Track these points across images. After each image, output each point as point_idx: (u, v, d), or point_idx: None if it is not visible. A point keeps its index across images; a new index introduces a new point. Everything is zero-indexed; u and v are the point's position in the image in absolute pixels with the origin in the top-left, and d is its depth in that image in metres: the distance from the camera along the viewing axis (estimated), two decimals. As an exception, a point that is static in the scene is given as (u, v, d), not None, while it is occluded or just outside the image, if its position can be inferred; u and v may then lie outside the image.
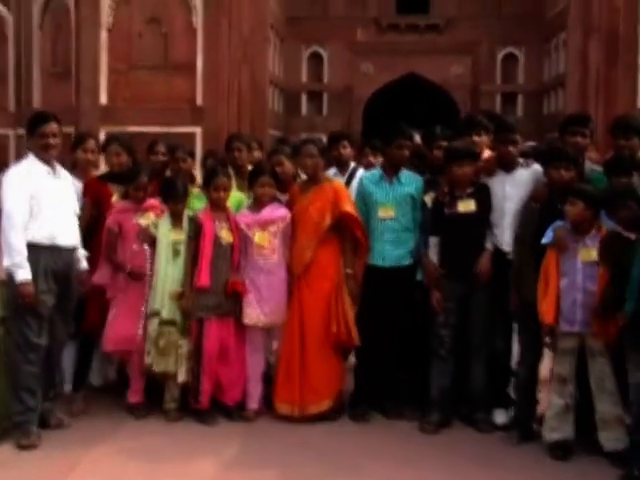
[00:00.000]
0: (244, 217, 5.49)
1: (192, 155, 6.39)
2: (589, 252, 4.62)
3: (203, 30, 15.25)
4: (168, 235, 5.40)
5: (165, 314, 5.32)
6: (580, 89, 16.62)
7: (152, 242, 5.44)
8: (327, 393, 5.41)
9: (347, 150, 6.28)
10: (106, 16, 15.36)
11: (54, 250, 5.00)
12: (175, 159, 6.06)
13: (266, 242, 5.39)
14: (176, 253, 5.38)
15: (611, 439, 4.59)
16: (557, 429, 4.76)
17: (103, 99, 15.44)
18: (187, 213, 5.51)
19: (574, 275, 4.65)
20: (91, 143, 6.03)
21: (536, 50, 19.44)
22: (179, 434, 5.26)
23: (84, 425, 5.36)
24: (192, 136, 14.27)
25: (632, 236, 4.41)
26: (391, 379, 5.57)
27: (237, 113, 16.28)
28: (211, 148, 7.72)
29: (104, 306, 5.53)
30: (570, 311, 4.66)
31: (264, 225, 5.42)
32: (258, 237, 5.40)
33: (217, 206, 5.47)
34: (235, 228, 5.44)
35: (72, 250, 5.17)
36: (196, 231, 5.37)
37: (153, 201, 5.61)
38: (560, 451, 4.73)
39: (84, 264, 5.29)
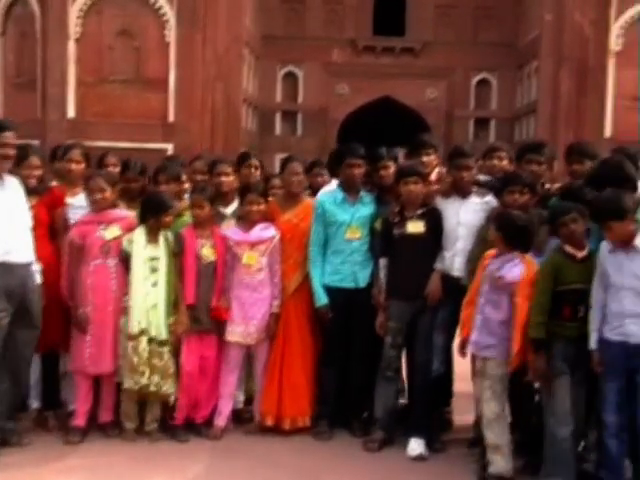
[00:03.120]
0: (234, 235, 5.45)
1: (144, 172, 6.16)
2: (500, 278, 4.60)
3: (176, 45, 15.19)
4: (144, 251, 5.32)
5: (155, 333, 5.23)
6: (551, 117, 16.87)
7: (125, 258, 5.34)
8: (309, 409, 5.46)
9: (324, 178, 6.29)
10: (74, 26, 15.05)
11: (6, 268, 4.80)
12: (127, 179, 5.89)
13: (254, 261, 5.37)
14: (153, 270, 5.29)
15: (497, 465, 4.58)
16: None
17: (71, 112, 15.21)
18: (165, 231, 5.43)
19: (480, 296, 4.65)
20: (75, 153, 5.82)
21: (509, 77, 19.71)
22: (145, 451, 5.17)
23: (45, 442, 5.25)
24: (163, 153, 14.02)
25: (578, 254, 4.42)
26: (358, 397, 5.56)
27: (210, 131, 16.25)
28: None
29: (64, 319, 5.39)
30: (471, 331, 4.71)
31: (253, 245, 5.39)
32: (247, 257, 5.36)
33: (200, 223, 5.41)
34: (220, 245, 5.40)
35: (26, 266, 4.97)
36: (180, 247, 5.33)
37: (117, 212, 5.51)
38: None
39: (38, 279, 5.13)
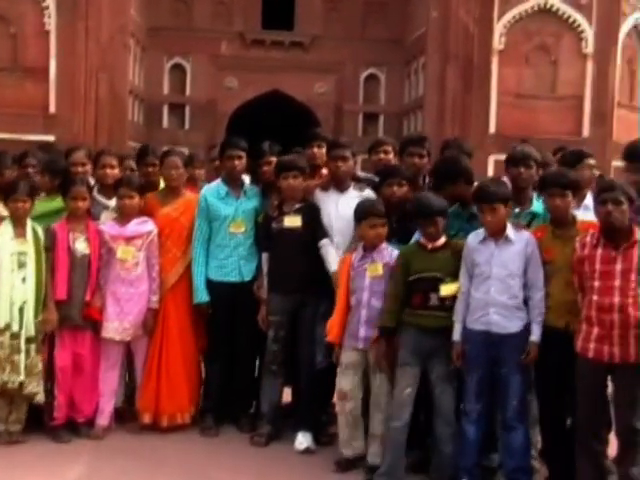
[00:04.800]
0: (110, 229, 5.34)
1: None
2: (376, 267, 4.70)
3: (57, 33, 14.62)
4: (10, 245, 5.07)
5: (22, 329, 5.01)
6: (437, 112, 17.18)
7: None
8: (188, 405, 5.43)
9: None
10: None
11: None
12: None
13: (130, 256, 5.29)
14: (21, 265, 5.07)
15: (375, 454, 4.67)
16: (347, 446, 4.81)
17: (-58, 101, 14.45)
18: (34, 225, 5.18)
19: (361, 292, 4.73)
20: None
21: (397, 72, 19.96)
22: (22, 454, 4.97)
23: None
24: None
25: (429, 244, 4.51)
26: (245, 392, 5.55)
27: (94, 123, 15.82)
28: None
29: None
30: (355, 327, 4.74)
31: (129, 239, 5.30)
32: (122, 251, 5.28)
33: (75, 216, 5.26)
34: (95, 239, 5.27)
35: None
36: (52, 242, 5.16)
37: None
38: (343, 467, 4.79)
39: None
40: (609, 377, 4.12)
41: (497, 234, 4.32)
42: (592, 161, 5.22)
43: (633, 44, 17.94)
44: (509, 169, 4.79)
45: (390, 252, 4.71)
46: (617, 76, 17.26)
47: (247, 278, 5.36)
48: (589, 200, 4.58)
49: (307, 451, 5.06)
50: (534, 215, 4.65)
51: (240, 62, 19.76)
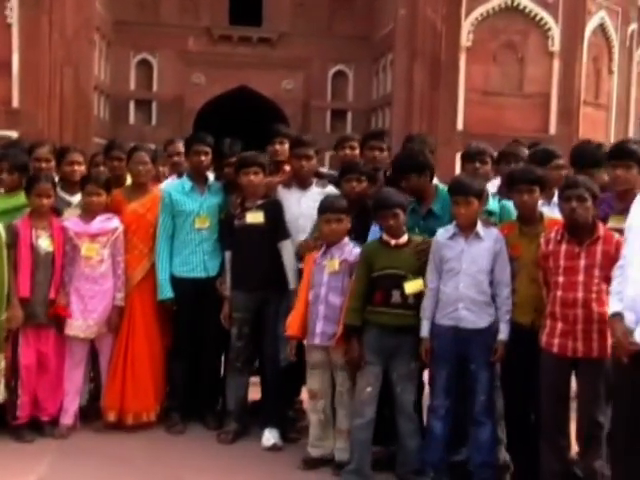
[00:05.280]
0: (74, 225, 5.27)
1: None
2: (333, 263, 4.69)
3: (20, 26, 14.39)
4: None
5: None
6: (405, 109, 17.23)
7: None
8: (154, 403, 5.38)
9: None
10: None
11: None
12: None
13: (94, 253, 5.22)
14: None
15: (342, 450, 4.67)
16: (316, 445, 4.81)
17: None
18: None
19: (320, 287, 4.72)
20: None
21: (365, 69, 20.01)
22: None
23: None
24: (8, 140, 13.36)
25: (392, 241, 4.50)
26: (210, 389, 5.52)
27: (59, 118, 15.62)
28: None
29: None
30: (312, 323, 4.73)
31: (94, 236, 5.23)
32: (86, 248, 5.20)
33: (38, 213, 5.17)
34: (59, 235, 5.20)
35: None
36: (14, 239, 5.06)
37: None
38: (311, 465, 4.76)
39: None
40: (573, 372, 4.14)
41: (468, 228, 4.33)
42: (561, 161, 5.24)
43: (599, 42, 18.13)
44: (465, 165, 4.80)
45: (351, 249, 4.68)
46: (583, 74, 17.43)
47: (212, 274, 5.32)
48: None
49: (274, 448, 5.03)
50: (489, 213, 4.66)
51: (207, 58, 19.68)
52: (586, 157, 5.05)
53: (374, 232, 4.73)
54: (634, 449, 3.61)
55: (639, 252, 3.51)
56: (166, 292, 5.28)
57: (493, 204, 4.70)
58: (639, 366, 3.46)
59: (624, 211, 4.01)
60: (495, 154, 4.92)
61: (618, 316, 3.56)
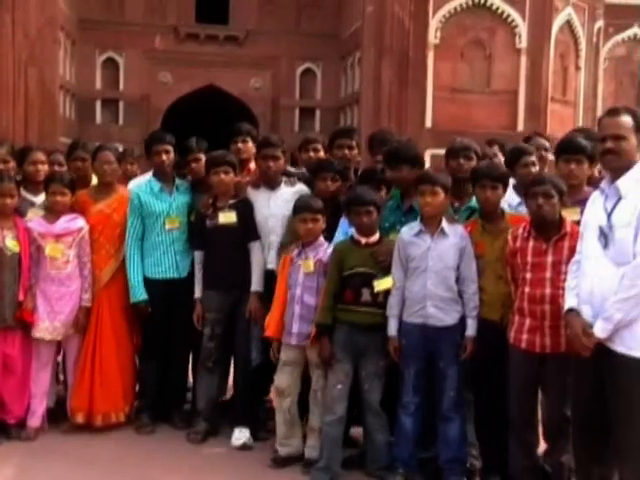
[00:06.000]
0: (38, 226, 5.21)
1: None
2: (308, 263, 4.69)
3: (-18, 25, 14.20)
4: None
5: None
6: (374, 107, 17.22)
7: None
8: (123, 404, 5.35)
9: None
10: None
11: None
12: None
13: (59, 254, 5.16)
14: None
15: (312, 447, 4.68)
16: (283, 444, 4.79)
17: None
18: None
19: (295, 287, 4.72)
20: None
21: (333, 67, 19.99)
22: None
23: None
24: (-29, 140, 13.17)
25: (363, 240, 4.50)
26: (179, 389, 5.53)
27: (24, 118, 15.42)
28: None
29: None
30: (289, 323, 4.73)
31: (59, 236, 5.17)
32: (50, 249, 5.14)
33: (2, 213, 5.10)
34: (25, 236, 5.13)
35: None
36: None
37: None
38: (280, 464, 4.75)
39: None
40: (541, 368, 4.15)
41: (433, 225, 4.32)
42: (532, 158, 5.23)
43: (566, 39, 18.27)
44: (449, 161, 4.76)
45: (325, 248, 4.68)
46: (550, 71, 17.55)
47: (183, 274, 5.31)
48: None
49: (244, 447, 5.02)
50: (473, 210, 4.64)
51: (174, 57, 19.57)
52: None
53: (343, 224, 4.74)
54: (588, 441, 3.66)
55: (594, 248, 3.52)
56: (140, 294, 5.23)
57: (474, 201, 4.65)
58: (599, 361, 3.47)
59: (575, 204, 4.09)
60: (480, 151, 4.88)
61: (574, 311, 3.57)
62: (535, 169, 5.06)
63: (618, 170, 3.50)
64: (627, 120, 3.45)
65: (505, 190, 4.41)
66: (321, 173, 4.95)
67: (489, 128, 15.31)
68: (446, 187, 4.33)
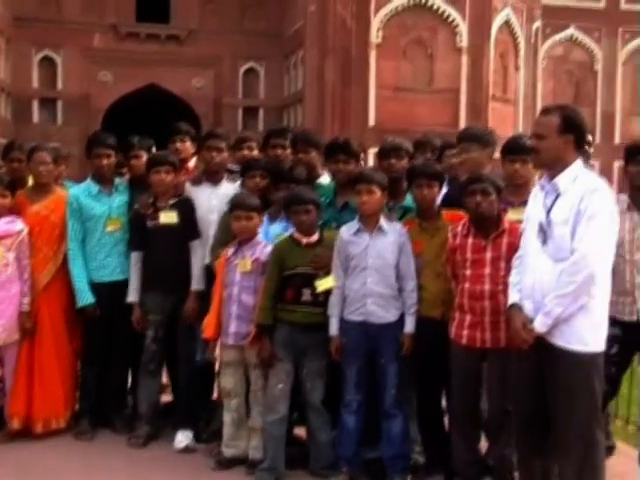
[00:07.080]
0: None
1: None
2: (245, 263, 4.65)
3: None
4: None
5: None
6: (317, 106, 17.23)
7: None
8: (64, 410, 5.24)
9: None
10: None
11: None
12: None
13: None
14: None
15: (256, 448, 4.65)
16: (230, 445, 4.76)
17: None
18: None
19: (232, 287, 4.69)
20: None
21: (276, 66, 19.93)
22: None
23: None
24: None
25: (304, 240, 4.48)
26: (120, 393, 5.45)
27: (-43, 118, 14.97)
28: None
29: None
30: (226, 323, 4.70)
31: None
32: None
33: None
34: None
35: None
36: None
37: None
38: (224, 465, 4.71)
39: None
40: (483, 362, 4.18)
41: (371, 223, 4.33)
42: (454, 151, 5.27)
43: (505, 39, 18.53)
44: (381, 161, 4.78)
45: (262, 247, 4.63)
46: (491, 70, 17.78)
47: (127, 276, 5.22)
48: None
49: (187, 450, 4.96)
50: (406, 209, 4.67)
51: (114, 56, 19.27)
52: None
53: (265, 224, 4.75)
54: (530, 435, 3.68)
55: (535, 242, 3.56)
56: (87, 298, 5.12)
57: (409, 200, 4.67)
58: (539, 355, 3.51)
59: (522, 204, 4.08)
60: (411, 149, 4.91)
61: (516, 306, 3.61)
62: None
63: (546, 167, 3.57)
64: (551, 120, 3.49)
65: (441, 188, 4.43)
66: (250, 171, 4.94)
67: (432, 126, 15.40)
68: (383, 185, 4.33)
